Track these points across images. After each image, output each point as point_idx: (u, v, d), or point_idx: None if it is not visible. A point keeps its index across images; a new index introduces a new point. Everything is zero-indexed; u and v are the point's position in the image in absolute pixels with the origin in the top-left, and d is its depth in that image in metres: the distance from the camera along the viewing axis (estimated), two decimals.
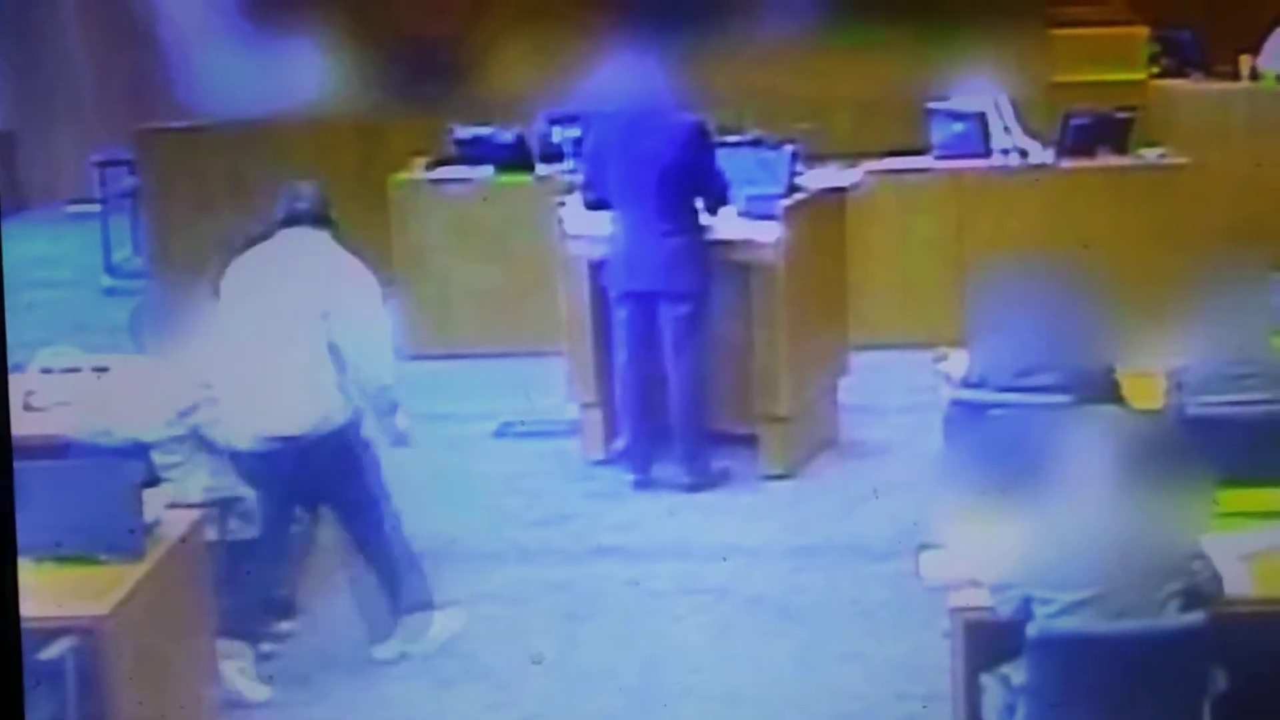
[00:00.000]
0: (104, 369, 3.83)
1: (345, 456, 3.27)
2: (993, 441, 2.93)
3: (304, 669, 3.45)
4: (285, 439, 3.23)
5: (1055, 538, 2.48)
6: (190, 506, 3.14)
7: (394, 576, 3.39)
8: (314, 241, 3.30)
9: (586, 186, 4.36)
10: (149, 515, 2.95)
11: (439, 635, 3.43)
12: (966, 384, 3.30)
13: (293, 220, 3.29)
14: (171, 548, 2.97)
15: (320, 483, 3.32)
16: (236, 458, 3.25)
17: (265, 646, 3.41)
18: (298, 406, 3.21)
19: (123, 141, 6.51)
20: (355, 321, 3.24)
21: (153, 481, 3.19)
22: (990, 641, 2.60)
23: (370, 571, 3.40)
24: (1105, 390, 3.21)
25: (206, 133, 6.08)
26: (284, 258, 3.30)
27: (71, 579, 2.80)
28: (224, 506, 3.32)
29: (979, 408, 3.14)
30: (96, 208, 6.67)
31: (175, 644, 3.00)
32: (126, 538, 2.86)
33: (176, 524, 3.03)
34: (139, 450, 3.27)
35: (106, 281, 6.41)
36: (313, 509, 3.43)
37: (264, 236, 3.33)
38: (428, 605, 3.42)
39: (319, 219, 3.31)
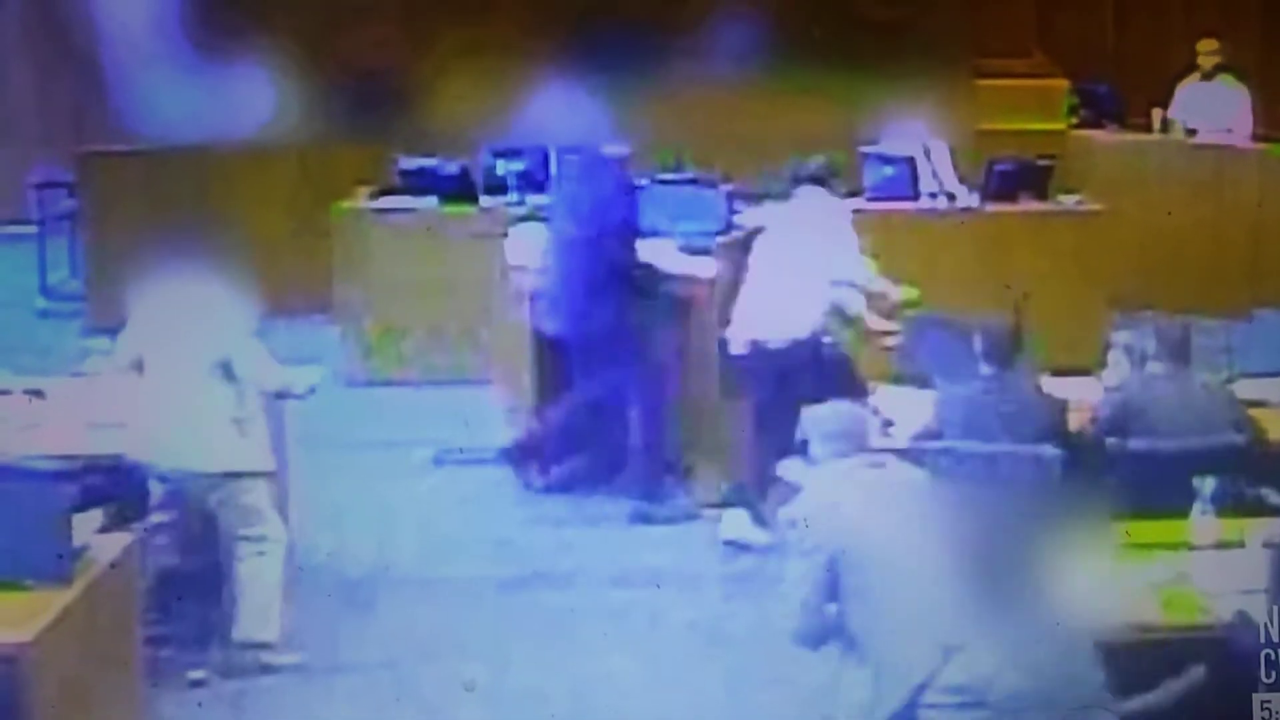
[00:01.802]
0: (37, 392, 3.81)
1: (816, 360, 4.14)
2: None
3: (233, 690, 3.45)
4: (769, 345, 4.12)
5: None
6: (121, 531, 3.11)
7: None
8: (822, 196, 4.32)
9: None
10: (78, 540, 2.89)
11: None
12: (925, 435, 3.41)
13: (804, 181, 4.32)
14: (101, 573, 2.90)
15: (793, 381, 4.05)
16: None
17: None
18: (795, 319, 4.16)
19: (61, 163, 6.45)
20: (851, 256, 4.20)
21: (83, 506, 3.14)
22: None
23: None
24: (1057, 424, 3.34)
25: (149, 157, 6.05)
26: (803, 209, 4.30)
27: None
28: (154, 531, 3.31)
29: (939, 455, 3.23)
30: (33, 229, 6.59)
31: (102, 673, 2.93)
32: (54, 562, 2.80)
33: (107, 549, 2.97)
34: (71, 474, 3.25)
35: (41, 304, 6.34)
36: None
37: (784, 195, 4.33)
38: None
39: (825, 181, 4.32)
